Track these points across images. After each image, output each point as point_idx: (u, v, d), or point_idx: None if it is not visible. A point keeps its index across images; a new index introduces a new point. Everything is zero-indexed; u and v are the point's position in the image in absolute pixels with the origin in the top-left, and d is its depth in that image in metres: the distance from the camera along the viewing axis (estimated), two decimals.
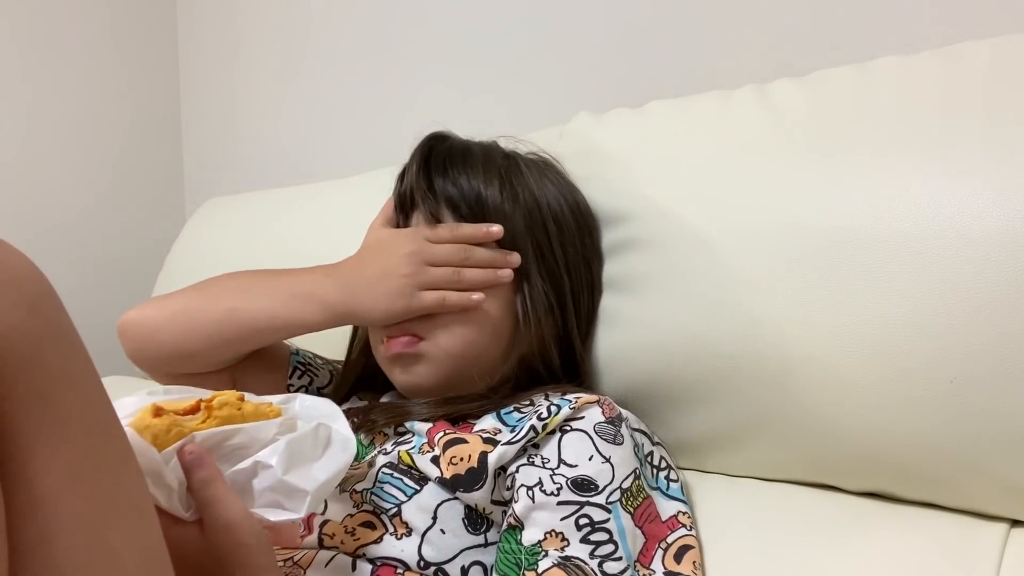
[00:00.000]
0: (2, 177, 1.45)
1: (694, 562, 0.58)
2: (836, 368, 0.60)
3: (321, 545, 0.58)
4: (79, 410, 0.39)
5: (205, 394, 0.53)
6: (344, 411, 0.72)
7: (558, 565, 0.54)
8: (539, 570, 0.54)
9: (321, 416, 0.57)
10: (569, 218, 0.73)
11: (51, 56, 1.51)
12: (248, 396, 0.54)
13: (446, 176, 0.71)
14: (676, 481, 0.64)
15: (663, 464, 0.64)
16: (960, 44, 0.65)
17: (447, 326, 0.68)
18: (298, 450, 0.51)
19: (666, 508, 0.61)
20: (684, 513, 0.61)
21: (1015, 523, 0.59)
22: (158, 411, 0.49)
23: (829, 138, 0.65)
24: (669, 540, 0.59)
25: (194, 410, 0.51)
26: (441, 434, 0.62)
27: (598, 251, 0.75)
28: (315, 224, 1.11)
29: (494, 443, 0.60)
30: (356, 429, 0.67)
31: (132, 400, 0.51)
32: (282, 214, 1.18)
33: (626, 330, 0.72)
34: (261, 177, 1.56)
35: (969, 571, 0.55)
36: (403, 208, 0.74)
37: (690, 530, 0.60)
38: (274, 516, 0.50)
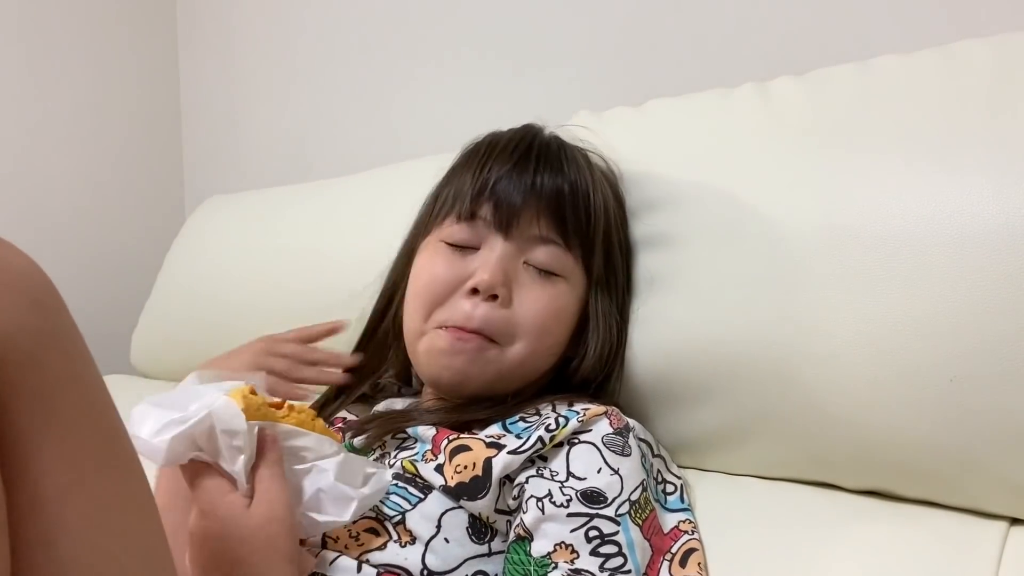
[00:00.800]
0: (2, 176, 1.45)
1: (699, 564, 0.58)
2: (835, 366, 0.60)
3: (324, 547, 0.58)
4: (82, 410, 0.39)
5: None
6: (342, 423, 0.72)
7: None
8: None
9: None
10: (620, 220, 0.72)
11: (50, 53, 1.51)
12: None
13: (560, 172, 0.67)
14: (673, 493, 0.63)
15: (660, 478, 0.64)
16: (960, 42, 0.65)
17: (526, 334, 0.65)
18: (350, 468, 0.56)
19: (667, 520, 0.61)
20: (684, 521, 0.61)
21: (1015, 521, 0.59)
22: (253, 392, 0.54)
23: (829, 136, 0.65)
24: (673, 550, 0.58)
25: (279, 406, 0.56)
26: (446, 441, 0.61)
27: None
28: (315, 222, 1.11)
29: (498, 447, 0.59)
30: (355, 436, 0.67)
31: (229, 384, 0.55)
32: (282, 212, 1.18)
33: (633, 329, 0.71)
34: (261, 175, 1.56)
35: (968, 569, 0.55)
36: (477, 196, 0.67)
37: (692, 534, 0.60)
38: (320, 518, 0.54)
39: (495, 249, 0.66)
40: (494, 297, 0.64)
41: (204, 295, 1.20)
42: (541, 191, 0.66)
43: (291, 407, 0.56)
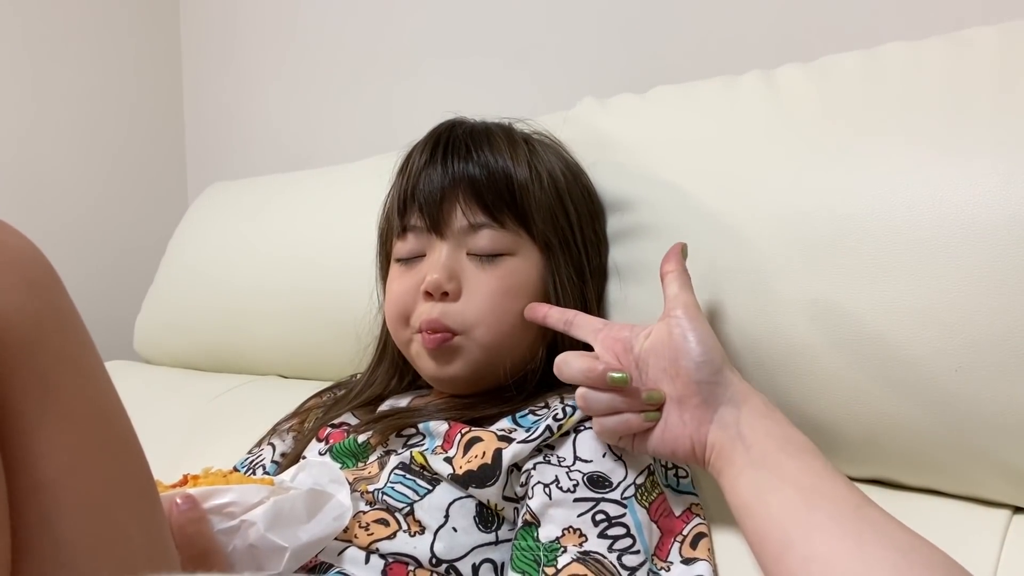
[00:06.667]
0: (5, 163, 1.44)
1: (708, 548, 0.58)
2: (839, 356, 0.60)
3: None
4: (80, 391, 0.39)
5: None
6: (347, 424, 0.72)
7: (578, 560, 0.54)
8: (559, 566, 0.54)
9: (327, 482, 0.58)
10: (581, 202, 0.73)
11: (55, 42, 1.51)
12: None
13: (468, 158, 0.68)
14: (686, 477, 0.64)
15: (670, 464, 0.64)
16: (968, 29, 0.64)
17: (481, 320, 0.67)
18: (285, 510, 0.53)
19: (679, 503, 0.61)
20: (696, 504, 0.62)
21: (1017, 510, 0.59)
22: None
23: (835, 124, 0.65)
24: (684, 532, 0.59)
25: (182, 483, 0.54)
26: (459, 435, 0.62)
27: (605, 237, 0.75)
28: (317, 209, 1.11)
29: (509, 440, 0.60)
30: (361, 433, 0.68)
31: None
32: (284, 199, 1.18)
33: (629, 317, 0.72)
34: (263, 162, 1.56)
35: (971, 557, 0.54)
36: (404, 208, 0.70)
37: (703, 520, 0.61)
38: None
39: (436, 251, 0.69)
40: (446, 295, 0.67)
41: (207, 281, 1.20)
42: (455, 181, 0.68)
43: (195, 477, 0.54)
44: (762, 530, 0.47)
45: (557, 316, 0.65)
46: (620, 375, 0.56)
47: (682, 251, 0.62)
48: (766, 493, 0.48)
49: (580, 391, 0.58)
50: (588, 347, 0.63)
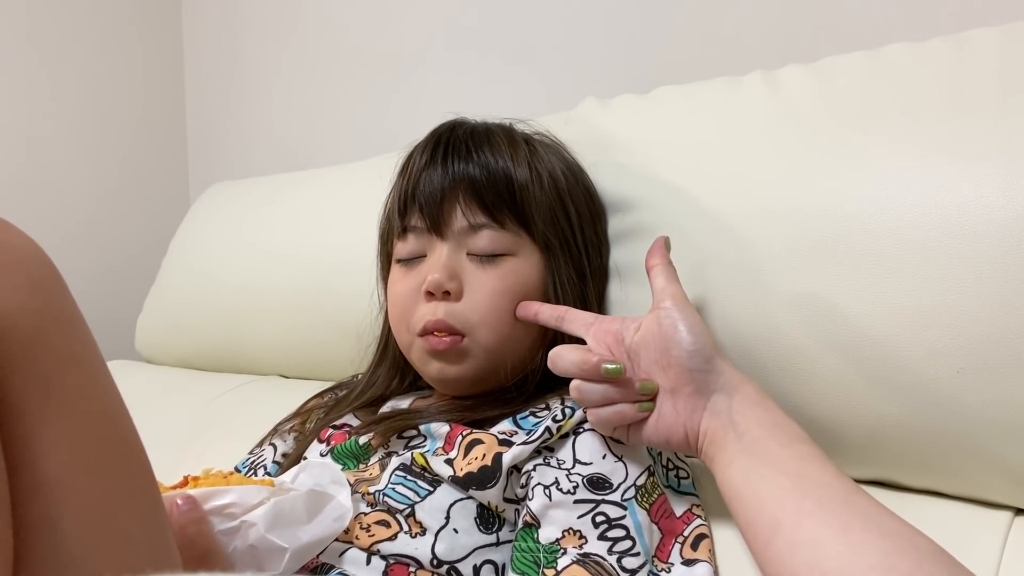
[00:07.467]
0: (8, 165, 1.45)
1: (709, 550, 0.58)
2: (840, 357, 0.60)
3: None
4: (83, 390, 0.39)
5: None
6: (348, 425, 0.72)
7: (577, 562, 0.54)
8: (558, 568, 0.54)
9: (328, 483, 0.58)
10: (582, 202, 0.73)
11: (57, 42, 1.51)
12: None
13: (469, 159, 0.68)
14: (687, 478, 0.64)
15: (671, 464, 0.64)
16: (970, 31, 0.64)
17: (483, 320, 0.66)
18: (285, 511, 0.53)
19: (680, 503, 0.61)
20: (697, 505, 0.61)
21: (1019, 512, 0.59)
22: None
23: (837, 125, 0.65)
24: (685, 533, 0.59)
25: (182, 484, 0.54)
26: (461, 437, 0.62)
27: (606, 237, 0.75)
28: (318, 209, 1.11)
29: (509, 444, 0.60)
30: (362, 435, 0.68)
31: None
32: (285, 199, 1.18)
33: None
34: (264, 162, 1.56)
35: (972, 559, 0.54)
36: (404, 208, 0.70)
37: (704, 521, 0.60)
38: None
39: (436, 251, 0.69)
40: (447, 294, 0.67)
41: (208, 281, 1.20)
42: (456, 182, 0.68)
43: (195, 478, 0.54)
44: (752, 516, 0.48)
45: (548, 313, 0.65)
46: (614, 366, 0.56)
47: (665, 244, 0.63)
48: (756, 480, 0.49)
49: (575, 383, 0.58)
50: (582, 342, 0.63)
